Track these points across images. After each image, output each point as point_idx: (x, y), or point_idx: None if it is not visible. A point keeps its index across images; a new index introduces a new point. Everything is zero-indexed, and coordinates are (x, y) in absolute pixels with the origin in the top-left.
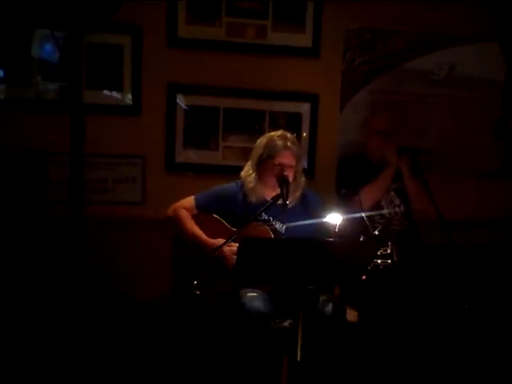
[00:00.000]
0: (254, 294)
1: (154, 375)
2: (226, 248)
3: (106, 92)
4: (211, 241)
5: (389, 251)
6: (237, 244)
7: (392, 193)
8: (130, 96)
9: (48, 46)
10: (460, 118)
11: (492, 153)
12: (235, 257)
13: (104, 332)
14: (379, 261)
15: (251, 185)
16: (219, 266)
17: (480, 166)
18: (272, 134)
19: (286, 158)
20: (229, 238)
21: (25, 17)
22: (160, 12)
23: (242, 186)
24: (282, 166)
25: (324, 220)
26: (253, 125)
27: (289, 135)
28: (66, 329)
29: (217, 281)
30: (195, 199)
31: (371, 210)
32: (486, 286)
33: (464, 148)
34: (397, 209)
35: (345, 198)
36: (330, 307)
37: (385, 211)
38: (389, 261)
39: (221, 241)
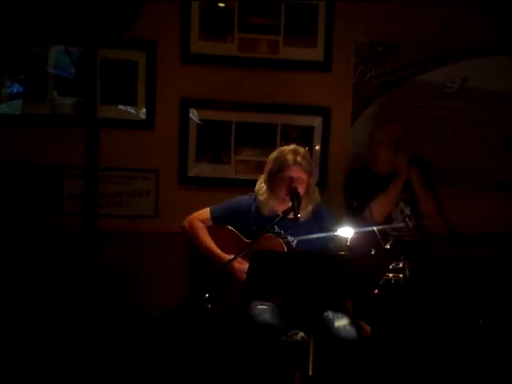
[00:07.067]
0: (264, 307)
1: None
2: (236, 264)
3: (120, 107)
4: (223, 255)
5: (401, 265)
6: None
7: (401, 203)
8: (143, 111)
9: (63, 62)
10: (472, 132)
11: (505, 166)
12: (245, 274)
13: (117, 344)
14: (391, 275)
15: (263, 198)
16: (230, 280)
17: (493, 179)
18: (284, 148)
19: (296, 172)
20: (240, 252)
21: (40, 33)
22: (173, 28)
23: (255, 198)
24: (292, 180)
25: (336, 234)
26: (265, 138)
27: (301, 150)
28: (80, 342)
29: (229, 294)
30: (211, 211)
31: (382, 222)
32: (498, 300)
33: (477, 161)
34: (407, 219)
35: (356, 210)
36: (346, 331)
37: (396, 224)
38: (400, 275)
39: (233, 256)
